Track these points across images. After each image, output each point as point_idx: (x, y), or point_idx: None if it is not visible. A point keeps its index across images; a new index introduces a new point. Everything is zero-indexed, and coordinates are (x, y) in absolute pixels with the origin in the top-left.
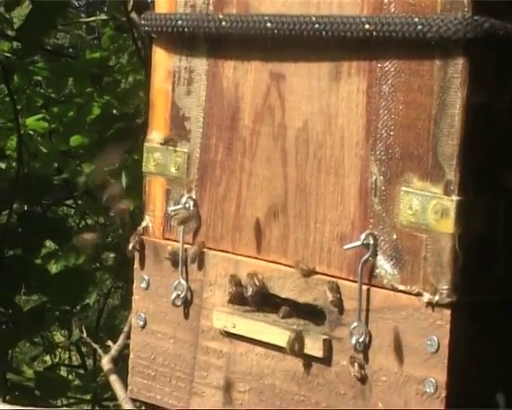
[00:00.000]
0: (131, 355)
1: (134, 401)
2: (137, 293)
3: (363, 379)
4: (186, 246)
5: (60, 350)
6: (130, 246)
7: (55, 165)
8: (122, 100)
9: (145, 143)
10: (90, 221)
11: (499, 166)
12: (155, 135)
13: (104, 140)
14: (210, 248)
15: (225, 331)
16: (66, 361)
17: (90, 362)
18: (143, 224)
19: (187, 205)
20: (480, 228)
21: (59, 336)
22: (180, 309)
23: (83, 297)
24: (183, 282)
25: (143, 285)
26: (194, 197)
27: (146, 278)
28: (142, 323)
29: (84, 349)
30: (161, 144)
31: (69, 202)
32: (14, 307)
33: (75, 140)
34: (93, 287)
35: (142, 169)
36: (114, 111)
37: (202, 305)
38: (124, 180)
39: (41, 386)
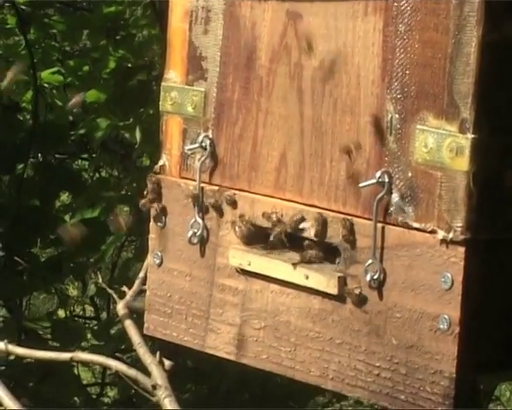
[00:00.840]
0: (148, 293)
1: (150, 338)
2: (154, 232)
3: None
4: (202, 185)
5: (74, 303)
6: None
7: (70, 118)
8: (137, 54)
9: (162, 83)
10: (104, 174)
11: None
12: (172, 74)
13: (120, 95)
14: (226, 187)
15: (241, 269)
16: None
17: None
18: (160, 163)
19: (203, 144)
20: (495, 166)
21: (71, 290)
22: (196, 247)
23: (98, 248)
24: (200, 220)
25: (160, 224)
26: (210, 136)
27: (162, 216)
28: (158, 261)
29: (97, 302)
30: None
31: (83, 155)
32: (30, 258)
33: (91, 95)
34: (109, 238)
35: (156, 124)
36: (129, 65)
37: (218, 243)
38: (138, 135)
39: (56, 334)
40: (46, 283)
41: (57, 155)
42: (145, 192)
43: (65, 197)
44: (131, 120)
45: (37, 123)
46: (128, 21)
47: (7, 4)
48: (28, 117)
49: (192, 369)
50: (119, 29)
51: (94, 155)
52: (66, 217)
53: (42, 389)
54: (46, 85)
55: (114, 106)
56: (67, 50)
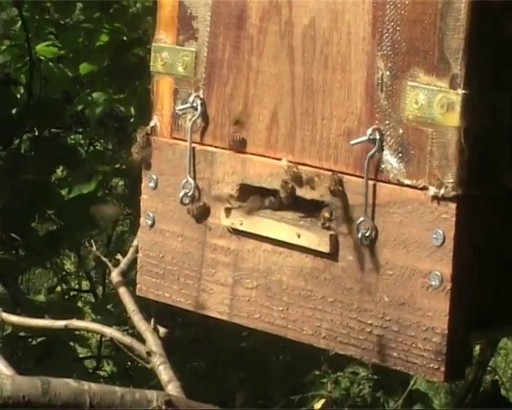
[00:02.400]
0: (140, 254)
1: (142, 299)
2: (146, 193)
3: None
4: (194, 145)
5: (70, 278)
6: (139, 144)
7: (66, 90)
8: (131, 26)
9: (153, 43)
10: (99, 148)
11: (505, 61)
12: (163, 35)
13: (114, 68)
14: (217, 147)
15: (233, 229)
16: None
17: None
18: (151, 123)
19: (194, 104)
20: (486, 121)
21: (68, 266)
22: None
23: (97, 225)
24: (191, 180)
25: (151, 185)
26: (201, 96)
27: (154, 177)
28: (150, 222)
29: (93, 275)
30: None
31: (78, 129)
32: (29, 233)
33: (84, 68)
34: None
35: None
36: (124, 38)
37: (210, 203)
38: (133, 110)
39: (52, 311)
40: (43, 258)
41: (52, 130)
42: (134, 147)
43: (59, 172)
44: (127, 93)
45: (32, 97)
46: None
47: None
48: (23, 91)
49: (188, 343)
50: (113, 1)
51: (88, 129)
52: (63, 192)
53: (41, 368)
54: (42, 58)
55: (109, 79)
56: (61, 23)
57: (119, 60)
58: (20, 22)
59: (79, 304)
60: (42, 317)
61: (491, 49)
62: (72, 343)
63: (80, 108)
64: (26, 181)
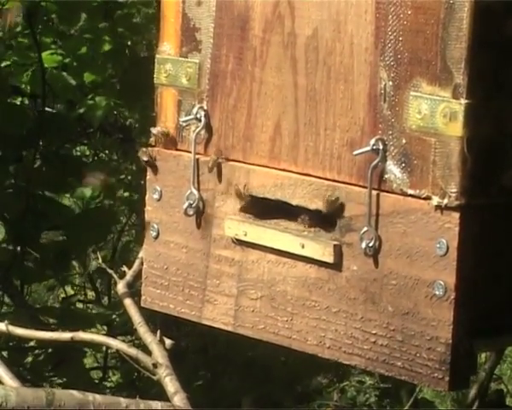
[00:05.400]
0: (145, 266)
1: (149, 310)
2: (150, 204)
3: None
4: (198, 156)
5: (74, 288)
6: (144, 158)
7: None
8: (135, 32)
9: (156, 55)
10: (103, 156)
11: (508, 70)
12: (166, 46)
13: (116, 74)
14: (222, 158)
15: (237, 239)
16: (81, 298)
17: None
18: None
19: (198, 116)
20: (489, 130)
21: (74, 278)
22: (192, 219)
23: (104, 237)
24: (195, 191)
25: (156, 196)
26: (205, 108)
27: (158, 188)
28: (154, 234)
29: (99, 286)
30: None
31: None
32: (39, 247)
33: (88, 77)
34: (115, 226)
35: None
36: (129, 42)
37: (214, 214)
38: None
39: (65, 321)
40: (55, 272)
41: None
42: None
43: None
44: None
45: (44, 111)
46: (126, 2)
47: None
48: (25, 101)
49: (196, 354)
50: (117, 9)
51: (93, 140)
52: (66, 198)
53: (55, 377)
54: (46, 67)
55: (118, 91)
56: (64, 31)
57: (127, 74)
58: (19, 26)
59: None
60: (48, 326)
61: (495, 58)
62: (86, 349)
63: (82, 111)
64: (36, 195)
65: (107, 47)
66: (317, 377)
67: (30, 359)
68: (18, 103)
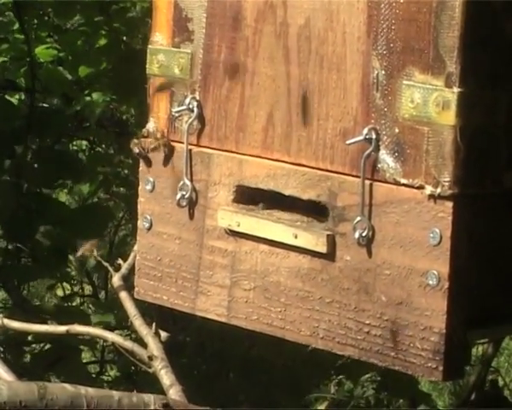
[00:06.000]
0: (137, 257)
1: (144, 303)
2: (143, 195)
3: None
4: (190, 147)
5: (73, 282)
6: (135, 149)
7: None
8: (130, 26)
9: (148, 46)
10: (99, 149)
11: (501, 59)
12: (158, 37)
13: (112, 68)
14: (214, 149)
15: (230, 230)
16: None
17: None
18: (148, 126)
19: (190, 106)
20: (482, 120)
21: (71, 271)
22: (185, 210)
23: (101, 233)
24: (188, 182)
25: (149, 187)
26: (197, 98)
27: (151, 179)
28: (147, 225)
29: (96, 280)
30: None
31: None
32: (34, 244)
33: (83, 70)
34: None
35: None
36: (124, 38)
37: (207, 205)
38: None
39: (60, 318)
40: (51, 269)
41: (54, 139)
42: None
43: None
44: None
45: (34, 105)
46: None
47: None
48: (22, 97)
49: (193, 347)
50: (112, 3)
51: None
52: (63, 193)
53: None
54: (41, 61)
55: (111, 85)
56: (59, 25)
57: (123, 69)
58: (16, 24)
59: (82, 308)
60: (44, 322)
61: (487, 46)
62: (82, 347)
63: (79, 108)
64: (30, 192)
65: (102, 41)
66: (316, 376)
67: (28, 357)
68: (8, 98)
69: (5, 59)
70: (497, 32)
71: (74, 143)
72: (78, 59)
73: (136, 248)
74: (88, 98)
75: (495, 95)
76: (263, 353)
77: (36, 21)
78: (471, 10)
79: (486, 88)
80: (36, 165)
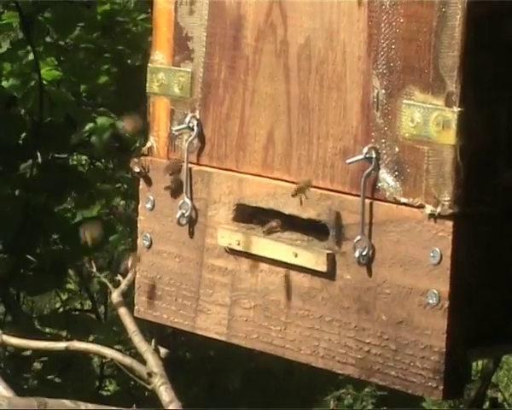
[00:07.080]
0: (138, 275)
1: (144, 319)
2: (143, 214)
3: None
4: (190, 165)
5: (71, 296)
6: (135, 168)
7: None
8: (133, 46)
9: (149, 64)
10: (99, 164)
11: (501, 77)
12: (159, 55)
13: (118, 91)
14: (214, 167)
15: (230, 249)
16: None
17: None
18: (148, 144)
19: (191, 125)
20: (482, 139)
21: (71, 286)
22: (185, 228)
23: (102, 248)
24: (188, 201)
25: (149, 206)
26: (197, 117)
27: (151, 198)
28: (147, 243)
29: (95, 296)
30: None
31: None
32: (37, 257)
33: (84, 88)
34: (112, 236)
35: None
36: (128, 61)
37: (207, 223)
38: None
39: (71, 328)
40: (53, 283)
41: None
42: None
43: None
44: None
45: (38, 122)
46: (123, 16)
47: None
48: (24, 113)
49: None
50: (115, 25)
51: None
52: (70, 216)
53: (62, 381)
54: (45, 82)
55: (113, 101)
56: (62, 45)
57: (122, 82)
58: (18, 40)
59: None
60: (45, 337)
61: (487, 66)
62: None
63: (86, 135)
64: (34, 206)
65: (105, 63)
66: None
67: (38, 366)
68: (14, 112)
69: (15, 82)
70: (497, 51)
71: (74, 157)
72: (79, 76)
73: (130, 262)
74: (92, 124)
75: (495, 112)
76: (263, 366)
77: (42, 42)
78: (471, 30)
79: (487, 106)
80: (39, 178)
